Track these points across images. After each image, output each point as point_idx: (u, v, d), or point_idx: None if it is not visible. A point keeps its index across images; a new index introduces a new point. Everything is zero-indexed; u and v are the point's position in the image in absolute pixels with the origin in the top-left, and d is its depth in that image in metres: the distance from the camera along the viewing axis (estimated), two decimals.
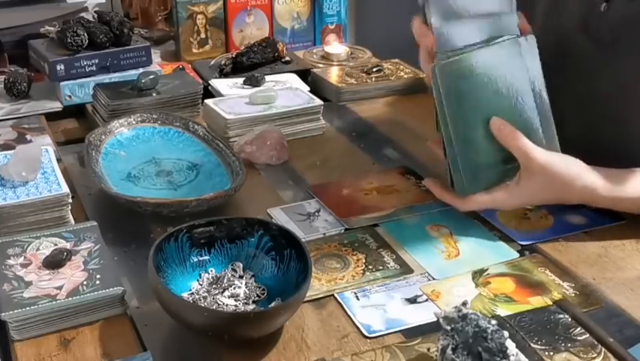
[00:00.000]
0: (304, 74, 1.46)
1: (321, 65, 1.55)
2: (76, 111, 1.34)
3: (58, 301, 0.77)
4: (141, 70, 1.35)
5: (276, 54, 1.50)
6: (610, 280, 0.86)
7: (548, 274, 0.87)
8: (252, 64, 1.46)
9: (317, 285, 0.85)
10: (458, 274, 0.87)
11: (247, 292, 0.81)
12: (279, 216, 1.00)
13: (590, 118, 0.96)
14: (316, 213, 1.01)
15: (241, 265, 0.84)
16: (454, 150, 0.92)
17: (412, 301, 0.83)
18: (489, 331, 0.67)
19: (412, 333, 0.77)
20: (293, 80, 1.41)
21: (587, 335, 0.76)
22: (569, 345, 0.75)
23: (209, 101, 1.27)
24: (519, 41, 0.92)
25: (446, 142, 0.93)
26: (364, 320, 0.79)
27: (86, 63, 1.34)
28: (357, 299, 0.83)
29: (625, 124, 0.97)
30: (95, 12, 1.47)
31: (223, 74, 1.45)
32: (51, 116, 1.30)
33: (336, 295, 0.84)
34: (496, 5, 0.93)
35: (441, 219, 0.99)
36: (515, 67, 0.91)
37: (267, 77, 1.39)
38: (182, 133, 1.17)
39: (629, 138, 0.96)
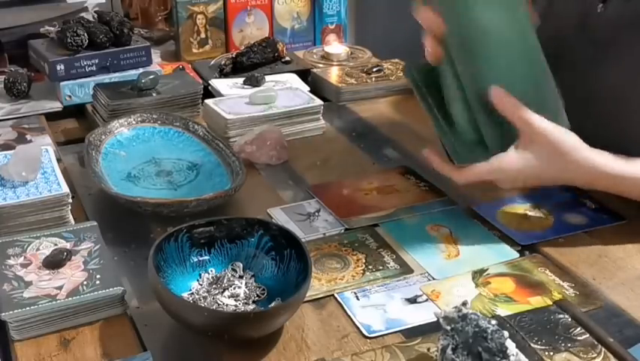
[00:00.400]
0: (304, 74, 1.46)
1: (321, 65, 1.55)
2: (76, 111, 1.34)
3: (58, 301, 0.77)
4: (141, 70, 1.35)
5: (276, 54, 1.50)
6: (610, 280, 0.86)
7: (548, 274, 0.87)
8: (252, 64, 1.46)
9: (317, 285, 0.85)
10: (458, 274, 0.87)
11: (247, 292, 0.81)
12: (279, 216, 1.00)
13: (587, 118, 0.96)
14: (316, 213, 1.01)
15: (241, 265, 0.84)
16: (462, 107, 0.89)
17: (412, 301, 0.83)
18: (489, 331, 0.67)
19: (412, 333, 0.77)
20: (293, 80, 1.41)
21: (587, 335, 0.76)
22: (569, 345, 0.75)
23: (209, 101, 1.27)
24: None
25: (457, 98, 0.89)
26: (364, 320, 0.79)
27: (86, 63, 1.34)
28: (357, 299, 0.83)
29: (623, 124, 0.97)
30: (95, 12, 1.47)
31: (223, 74, 1.45)
32: (51, 116, 1.30)
33: (336, 295, 0.84)
34: None
35: (441, 219, 0.99)
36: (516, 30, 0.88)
37: (267, 77, 1.39)
38: (182, 133, 1.17)
39: (627, 138, 0.95)
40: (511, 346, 0.67)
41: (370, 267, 0.88)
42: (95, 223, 0.92)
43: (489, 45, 0.87)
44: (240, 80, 1.38)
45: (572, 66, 0.98)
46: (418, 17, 0.91)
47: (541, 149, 0.88)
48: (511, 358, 0.67)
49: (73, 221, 0.95)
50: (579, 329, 0.77)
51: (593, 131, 0.93)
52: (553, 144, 0.88)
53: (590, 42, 0.99)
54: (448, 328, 0.69)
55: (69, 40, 1.32)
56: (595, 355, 0.74)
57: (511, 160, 0.89)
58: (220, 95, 1.34)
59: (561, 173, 0.90)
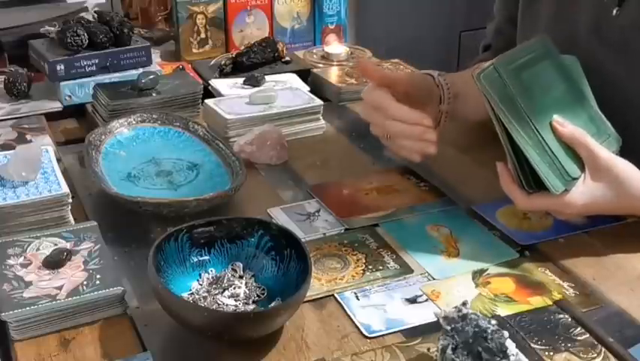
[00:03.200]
0: (304, 74, 1.46)
1: (321, 65, 1.55)
2: (76, 111, 1.34)
3: (58, 301, 0.77)
4: (141, 70, 1.35)
5: (276, 54, 1.50)
6: (610, 280, 0.86)
7: (548, 274, 0.87)
8: (252, 64, 1.46)
9: (317, 285, 0.85)
10: (458, 274, 0.87)
11: (247, 292, 0.81)
12: (279, 216, 1.00)
13: None
14: (316, 213, 1.01)
15: (241, 265, 0.84)
16: (537, 147, 0.87)
17: (412, 301, 0.83)
18: (489, 331, 0.67)
19: (412, 333, 0.77)
20: (293, 80, 1.41)
21: (587, 335, 0.76)
22: (569, 345, 0.75)
23: (209, 101, 1.27)
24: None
25: (528, 141, 0.87)
26: (364, 320, 0.79)
27: (86, 63, 1.34)
28: (357, 299, 0.83)
29: (636, 126, 0.97)
30: (95, 12, 1.46)
31: (223, 74, 1.45)
32: (51, 116, 1.30)
33: (336, 295, 0.84)
34: None
35: (441, 219, 0.99)
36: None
37: (267, 77, 1.39)
38: (182, 133, 1.17)
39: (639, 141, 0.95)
40: (511, 346, 0.67)
41: (370, 267, 0.88)
42: (95, 223, 0.92)
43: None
44: (240, 80, 1.38)
45: (585, 69, 0.98)
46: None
47: (611, 180, 0.87)
48: (511, 358, 0.67)
49: (73, 221, 0.95)
50: (579, 329, 0.77)
51: None
52: (623, 175, 0.87)
53: (604, 45, 0.98)
54: (448, 328, 0.69)
55: (69, 40, 1.31)
56: (595, 355, 0.74)
57: (578, 195, 0.88)
58: (220, 95, 1.34)
59: (626, 205, 0.90)
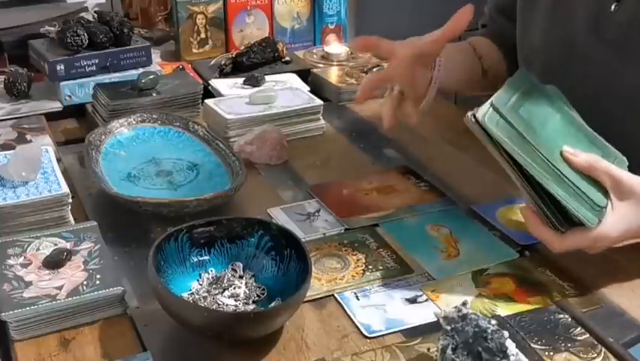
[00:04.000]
0: (304, 74, 1.46)
1: (321, 65, 1.55)
2: (76, 111, 1.34)
3: (58, 301, 0.77)
4: (141, 70, 1.35)
5: (276, 54, 1.50)
6: (610, 280, 0.86)
7: (548, 274, 0.87)
8: (252, 64, 1.46)
9: (317, 285, 0.85)
10: (458, 274, 0.87)
11: (247, 292, 0.81)
12: (279, 216, 1.00)
13: (599, 119, 0.96)
14: (316, 213, 1.01)
15: (241, 265, 0.84)
16: (545, 185, 0.81)
17: (412, 301, 0.83)
18: (489, 331, 0.67)
19: (412, 333, 0.77)
20: (293, 80, 1.41)
21: (587, 335, 0.76)
22: (569, 345, 0.75)
23: (209, 101, 1.27)
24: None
25: (532, 181, 0.81)
26: (364, 320, 0.79)
27: (85, 63, 1.34)
28: (357, 299, 0.83)
29: (635, 123, 0.97)
30: (95, 12, 1.47)
31: (223, 74, 1.45)
32: (51, 116, 1.30)
33: (336, 295, 0.84)
34: None
35: (441, 219, 0.99)
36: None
37: (267, 77, 1.39)
38: (182, 133, 1.17)
39: (639, 138, 0.95)
40: (511, 346, 0.67)
41: (370, 267, 0.88)
42: (95, 223, 0.92)
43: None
44: (240, 80, 1.38)
45: (583, 66, 0.98)
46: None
47: (632, 205, 0.83)
48: (511, 358, 0.67)
49: (73, 221, 0.95)
50: (579, 329, 0.77)
51: (607, 132, 0.92)
52: None
53: (602, 42, 0.98)
54: (448, 328, 0.69)
55: (69, 40, 1.31)
56: (595, 355, 0.74)
57: (610, 226, 0.82)
58: (220, 95, 1.34)
59: None
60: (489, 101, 0.82)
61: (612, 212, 0.82)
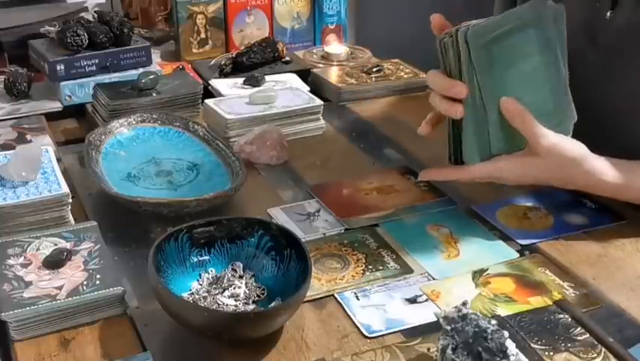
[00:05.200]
0: (304, 74, 1.46)
1: (321, 65, 1.55)
2: (76, 111, 1.34)
3: (58, 301, 0.77)
4: (141, 70, 1.35)
5: (276, 54, 1.50)
6: (610, 280, 0.86)
7: (548, 274, 0.87)
8: (252, 64, 1.46)
9: (317, 285, 0.85)
10: (458, 274, 0.87)
11: (247, 292, 0.81)
12: (279, 216, 1.00)
13: (595, 125, 0.96)
14: (316, 213, 1.01)
15: (241, 265, 0.84)
16: (477, 113, 0.91)
17: (412, 301, 0.83)
18: (489, 331, 0.67)
19: (412, 333, 0.77)
20: (293, 80, 1.41)
21: (587, 335, 0.76)
22: (569, 345, 0.75)
23: (209, 101, 1.27)
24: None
25: (473, 105, 0.91)
26: (364, 320, 0.79)
27: (85, 63, 1.34)
28: (357, 299, 0.83)
29: (632, 131, 0.97)
30: (95, 12, 1.47)
31: (223, 74, 1.45)
32: (51, 116, 1.30)
33: (336, 295, 0.84)
34: None
35: (441, 219, 0.99)
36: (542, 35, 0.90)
37: (267, 77, 1.39)
38: (182, 133, 1.17)
39: (636, 145, 0.95)
40: (511, 346, 0.67)
41: (370, 267, 0.88)
42: (95, 223, 0.92)
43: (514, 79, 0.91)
44: (240, 80, 1.38)
45: (579, 72, 0.98)
46: (430, 83, 0.93)
47: (549, 162, 0.90)
48: (511, 358, 0.67)
49: (73, 221, 0.95)
50: (579, 329, 0.77)
51: (602, 138, 0.93)
52: (561, 157, 0.90)
53: (598, 48, 0.98)
54: (448, 328, 0.69)
55: (69, 40, 1.32)
56: (595, 355, 0.74)
57: (516, 164, 0.92)
58: (220, 95, 1.34)
59: (566, 180, 0.93)
60: (474, 24, 0.89)
61: (521, 156, 0.91)
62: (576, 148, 0.90)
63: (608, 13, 0.97)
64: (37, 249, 0.86)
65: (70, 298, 0.78)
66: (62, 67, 1.32)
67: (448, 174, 0.97)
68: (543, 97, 0.91)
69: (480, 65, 0.89)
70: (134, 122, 1.16)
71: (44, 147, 1.05)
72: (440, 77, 0.92)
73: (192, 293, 0.81)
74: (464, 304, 0.70)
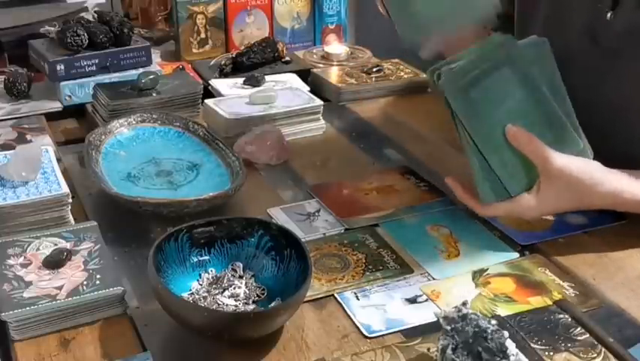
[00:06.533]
0: (304, 74, 1.46)
1: (321, 65, 1.55)
2: (76, 111, 1.34)
3: (58, 301, 0.77)
4: (141, 70, 1.35)
5: (276, 54, 1.50)
6: (610, 280, 0.86)
7: (548, 274, 0.87)
8: (252, 64, 1.46)
9: (317, 285, 0.85)
10: (458, 274, 0.87)
11: (247, 292, 0.81)
12: (279, 216, 1.00)
13: (596, 126, 0.96)
14: (316, 213, 1.01)
15: (241, 265, 0.84)
16: (478, 159, 0.90)
17: (412, 301, 0.83)
18: (489, 331, 0.67)
19: (412, 333, 0.77)
20: (293, 80, 1.41)
21: (587, 335, 0.76)
22: (569, 345, 0.75)
23: (209, 101, 1.27)
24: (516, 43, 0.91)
25: (471, 151, 0.90)
26: (364, 320, 0.79)
27: (86, 63, 1.34)
28: (357, 299, 0.83)
29: (632, 132, 0.97)
30: (95, 12, 1.46)
31: (223, 74, 1.45)
32: (51, 116, 1.30)
33: (336, 295, 0.84)
34: None
35: (441, 219, 0.99)
36: (525, 69, 0.90)
37: (267, 77, 1.39)
38: (182, 133, 1.17)
39: (636, 146, 0.95)
40: (511, 346, 0.67)
41: (370, 267, 0.88)
42: (95, 223, 0.92)
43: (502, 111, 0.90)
44: (240, 80, 1.38)
45: (579, 73, 0.98)
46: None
47: (564, 185, 0.89)
48: (511, 358, 0.67)
49: (73, 221, 0.95)
50: (579, 329, 0.77)
51: (603, 139, 0.93)
52: (576, 180, 0.88)
53: (598, 49, 0.98)
54: (448, 328, 0.69)
55: (69, 40, 1.31)
56: (595, 355, 0.74)
57: (533, 202, 0.90)
58: (220, 95, 1.34)
59: (585, 203, 0.91)
60: (453, 66, 0.88)
61: (536, 192, 0.89)
62: (590, 169, 0.89)
63: (609, 14, 0.97)
64: (37, 249, 0.86)
65: (70, 298, 0.78)
66: (62, 67, 1.32)
67: (469, 200, 0.94)
68: (537, 130, 0.89)
69: (461, 112, 0.88)
70: (134, 122, 1.16)
71: (44, 147, 1.05)
72: None
73: (192, 293, 0.81)
74: (464, 304, 0.70)
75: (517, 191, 0.90)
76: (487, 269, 0.88)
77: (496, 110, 0.88)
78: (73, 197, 0.96)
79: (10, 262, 0.83)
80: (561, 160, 0.88)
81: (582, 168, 0.89)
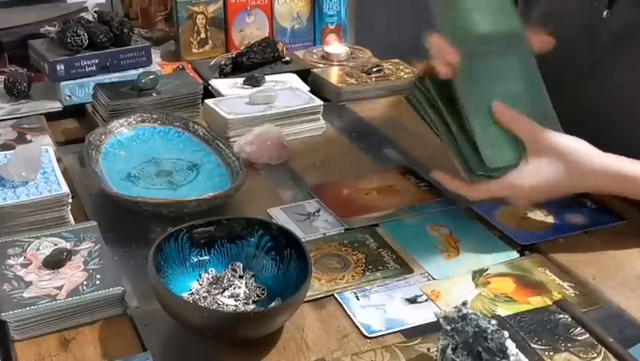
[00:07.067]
0: (304, 74, 1.46)
1: (321, 65, 1.55)
2: (76, 111, 1.34)
3: (58, 301, 0.77)
4: (141, 70, 1.35)
5: (276, 54, 1.50)
6: (610, 280, 0.86)
7: (548, 274, 0.87)
8: (252, 64, 1.46)
9: (317, 285, 0.85)
10: (458, 274, 0.87)
11: (247, 292, 0.81)
12: (279, 216, 1.00)
13: (592, 123, 0.96)
14: (316, 213, 1.01)
15: (241, 265, 0.84)
16: (469, 128, 0.91)
17: (412, 301, 0.83)
18: (489, 331, 0.67)
19: (412, 333, 0.77)
20: (293, 80, 1.41)
21: (587, 335, 0.76)
22: (569, 345, 0.75)
23: (209, 101, 1.27)
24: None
25: (456, 124, 0.91)
26: (364, 320, 0.79)
27: (86, 63, 1.34)
28: (357, 299, 0.83)
29: (628, 129, 0.97)
30: (95, 12, 1.47)
31: (223, 74, 1.45)
32: (51, 116, 1.30)
33: (336, 295, 0.84)
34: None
35: (441, 219, 0.99)
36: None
37: (267, 77, 1.39)
38: (182, 133, 1.17)
39: (632, 143, 0.95)
40: (511, 346, 0.67)
41: (370, 267, 0.88)
42: (95, 223, 0.92)
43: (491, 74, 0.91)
44: (240, 80, 1.38)
45: (576, 71, 0.98)
46: (430, 45, 0.91)
47: (551, 160, 0.88)
48: (511, 358, 0.67)
49: (73, 221, 0.95)
50: (579, 329, 0.77)
51: (599, 136, 0.93)
52: (563, 153, 0.88)
53: (595, 47, 0.98)
54: (448, 328, 0.69)
55: (69, 40, 1.31)
56: (595, 355, 0.74)
57: (523, 176, 0.89)
58: (220, 95, 1.34)
59: (575, 181, 0.90)
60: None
61: (526, 165, 0.88)
62: (580, 144, 0.89)
63: (605, 12, 0.97)
64: (37, 249, 0.86)
65: (70, 298, 0.78)
66: (62, 67, 1.32)
67: (458, 187, 0.94)
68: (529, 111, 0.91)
69: (464, 70, 0.89)
70: (134, 122, 1.16)
71: (44, 147, 1.05)
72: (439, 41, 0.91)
73: (192, 293, 0.81)
74: (464, 304, 0.70)
75: (497, 163, 0.90)
76: (487, 269, 0.88)
77: (496, 85, 0.90)
78: (73, 197, 0.97)
79: (10, 262, 0.83)
80: (550, 134, 0.88)
81: (571, 143, 0.89)
